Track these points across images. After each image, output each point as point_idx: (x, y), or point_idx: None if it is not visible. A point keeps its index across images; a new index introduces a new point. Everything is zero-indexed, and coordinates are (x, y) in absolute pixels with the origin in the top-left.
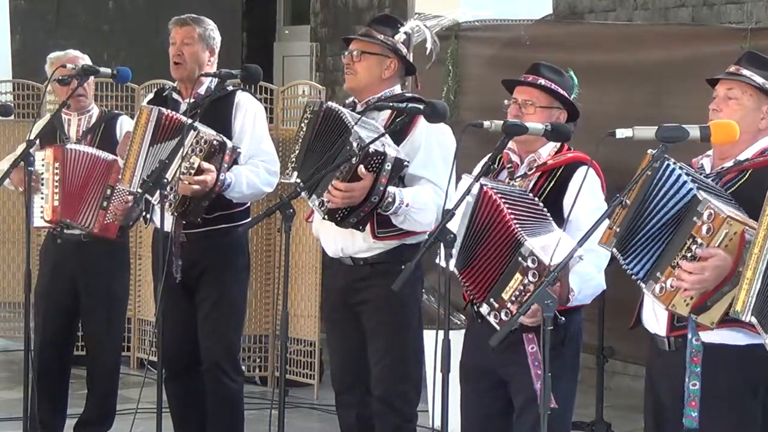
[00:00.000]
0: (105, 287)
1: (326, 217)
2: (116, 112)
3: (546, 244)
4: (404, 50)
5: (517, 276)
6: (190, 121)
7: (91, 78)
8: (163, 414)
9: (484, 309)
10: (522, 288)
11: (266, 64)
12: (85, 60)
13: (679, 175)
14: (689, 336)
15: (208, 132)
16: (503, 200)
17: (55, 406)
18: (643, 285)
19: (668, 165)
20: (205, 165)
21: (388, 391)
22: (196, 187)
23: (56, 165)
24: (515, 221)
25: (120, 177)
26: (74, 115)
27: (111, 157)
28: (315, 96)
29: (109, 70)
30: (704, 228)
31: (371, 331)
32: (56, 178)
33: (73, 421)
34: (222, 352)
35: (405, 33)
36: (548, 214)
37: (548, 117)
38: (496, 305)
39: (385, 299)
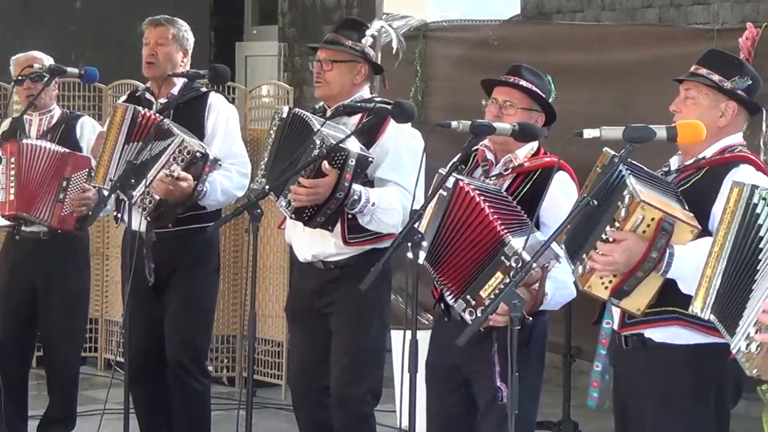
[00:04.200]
0: (64, 286)
1: (293, 216)
2: (78, 113)
3: (529, 245)
4: (372, 54)
5: (498, 275)
6: (167, 120)
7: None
8: (130, 415)
9: (460, 305)
10: (502, 287)
11: (235, 64)
12: (49, 61)
13: (620, 168)
14: (603, 319)
15: (192, 142)
16: (481, 196)
17: (17, 406)
18: (571, 266)
19: (614, 161)
20: (183, 174)
21: (343, 392)
22: (171, 188)
23: (12, 159)
24: (497, 219)
25: (93, 175)
26: (35, 115)
27: (67, 150)
28: (283, 96)
29: (76, 70)
30: (622, 211)
31: (334, 331)
32: (12, 172)
33: (36, 422)
34: (187, 353)
35: (371, 36)
36: (523, 213)
37: (528, 119)
38: (473, 302)
39: (349, 300)
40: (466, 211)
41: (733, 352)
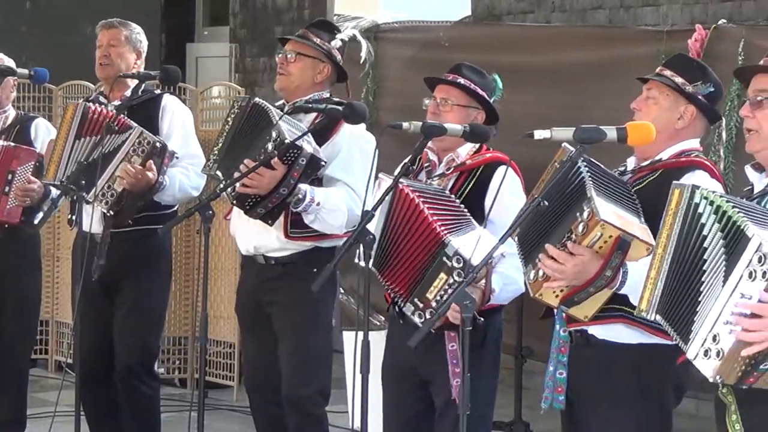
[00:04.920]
0: (15, 288)
1: (235, 202)
2: (32, 114)
3: (469, 243)
4: (339, 57)
5: (442, 276)
6: (134, 124)
7: (10, 79)
8: (81, 417)
9: (408, 309)
10: (447, 287)
11: (186, 66)
12: (4, 61)
13: (579, 167)
14: (557, 327)
15: (150, 134)
16: (420, 198)
17: None
18: (524, 269)
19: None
20: (149, 163)
21: (293, 393)
22: (139, 176)
23: None
24: (437, 220)
25: (45, 173)
26: None
27: (12, 144)
28: (234, 97)
29: (26, 71)
30: (580, 226)
31: (280, 332)
32: None
33: None
34: (137, 357)
35: (341, 40)
36: (466, 211)
37: (465, 115)
38: (421, 305)
39: (295, 300)
40: (407, 214)
41: (691, 358)
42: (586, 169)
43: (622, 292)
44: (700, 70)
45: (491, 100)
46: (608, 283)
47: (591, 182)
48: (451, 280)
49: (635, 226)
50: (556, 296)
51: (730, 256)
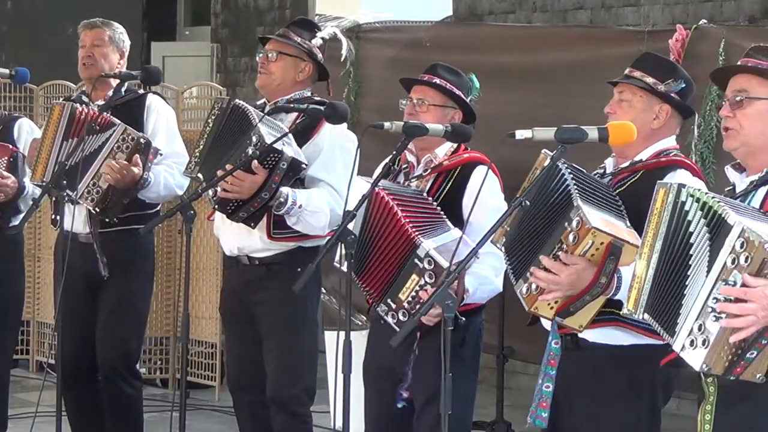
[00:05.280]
0: None
1: (217, 207)
2: (16, 114)
3: (442, 245)
4: (320, 55)
5: (414, 277)
6: (117, 120)
7: None
8: (62, 418)
9: (382, 309)
10: (419, 289)
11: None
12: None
13: (563, 174)
14: (549, 339)
15: (134, 130)
16: (396, 201)
17: None
18: (514, 283)
19: (556, 165)
20: (134, 159)
21: (280, 393)
22: (124, 172)
23: None
24: (410, 223)
25: (32, 173)
26: None
27: None
28: (216, 97)
29: (7, 71)
30: (571, 236)
31: (265, 333)
32: None
33: None
34: (119, 357)
35: (322, 39)
36: (443, 214)
37: (442, 115)
38: (394, 306)
39: (279, 300)
40: (382, 217)
41: (677, 350)
42: (570, 176)
43: (617, 297)
44: (669, 67)
45: (468, 100)
46: (603, 290)
47: (576, 191)
48: (423, 282)
49: (623, 230)
50: (551, 308)
51: (713, 247)
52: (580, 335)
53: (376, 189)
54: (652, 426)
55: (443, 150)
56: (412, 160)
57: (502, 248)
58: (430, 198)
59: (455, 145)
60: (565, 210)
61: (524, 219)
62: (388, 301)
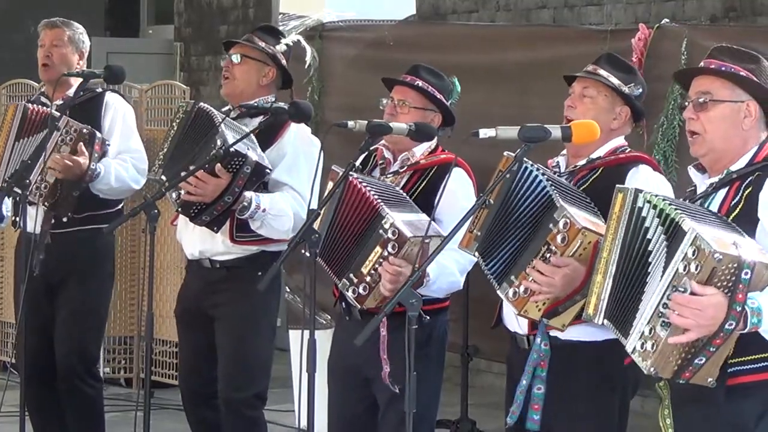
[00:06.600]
0: None
1: (180, 210)
2: None
3: (408, 219)
4: (284, 60)
5: (377, 249)
6: (57, 113)
7: None
8: (26, 417)
9: (343, 285)
10: (381, 261)
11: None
12: None
13: (536, 177)
14: (538, 340)
15: (76, 122)
16: (368, 188)
17: None
18: (497, 287)
19: (526, 167)
20: (80, 148)
21: (231, 396)
22: (68, 162)
23: None
24: (377, 198)
25: None
26: None
27: None
28: (179, 96)
29: None
30: (559, 237)
31: (221, 335)
32: None
33: None
34: (77, 358)
35: (286, 45)
36: (414, 204)
37: (422, 118)
38: (355, 280)
39: (235, 303)
40: (354, 202)
41: (629, 351)
42: (545, 177)
43: None
44: (632, 71)
45: (448, 103)
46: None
47: (556, 192)
48: (385, 253)
49: (602, 226)
50: (539, 310)
51: (669, 252)
52: (551, 333)
53: (350, 179)
54: (622, 419)
55: (421, 149)
56: (388, 156)
57: (475, 254)
58: (404, 193)
59: (433, 145)
60: (546, 212)
61: (499, 223)
62: (350, 275)
